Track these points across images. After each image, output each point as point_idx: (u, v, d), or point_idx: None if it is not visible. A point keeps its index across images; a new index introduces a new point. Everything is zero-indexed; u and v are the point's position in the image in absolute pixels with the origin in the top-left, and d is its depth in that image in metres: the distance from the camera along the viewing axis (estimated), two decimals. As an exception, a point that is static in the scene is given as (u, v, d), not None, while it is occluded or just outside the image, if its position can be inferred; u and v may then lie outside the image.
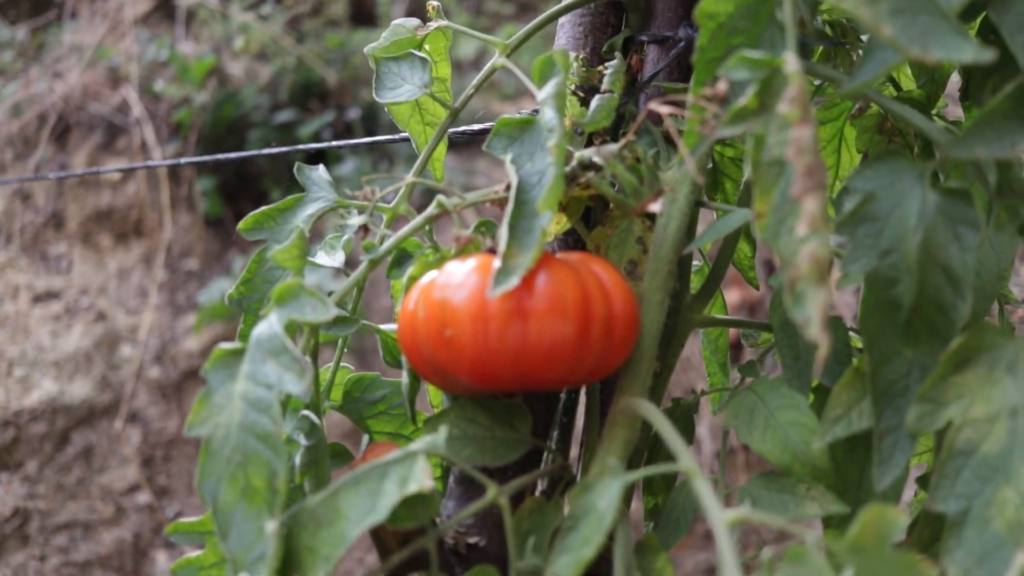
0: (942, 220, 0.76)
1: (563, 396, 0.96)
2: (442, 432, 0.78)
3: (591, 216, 0.96)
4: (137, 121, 2.85)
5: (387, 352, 0.99)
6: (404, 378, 0.91)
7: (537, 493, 0.92)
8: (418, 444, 0.76)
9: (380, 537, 0.80)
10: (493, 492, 0.79)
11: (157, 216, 2.73)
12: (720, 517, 0.67)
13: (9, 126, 2.73)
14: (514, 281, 0.76)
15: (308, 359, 0.76)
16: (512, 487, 0.81)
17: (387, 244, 0.88)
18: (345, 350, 0.98)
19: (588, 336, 0.79)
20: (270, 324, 0.79)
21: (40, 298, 2.64)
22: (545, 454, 0.91)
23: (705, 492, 0.69)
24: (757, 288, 1.05)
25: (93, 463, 2.47)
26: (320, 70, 2.86)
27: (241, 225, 0.95)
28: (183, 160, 1.30)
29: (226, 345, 0.80)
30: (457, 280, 0.80)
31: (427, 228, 0.93)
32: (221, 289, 2.67)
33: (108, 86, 2.91)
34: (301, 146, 1.41)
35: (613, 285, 0.82)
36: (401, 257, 0.94)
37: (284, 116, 2.91)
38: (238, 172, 2.88)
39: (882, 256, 0.77)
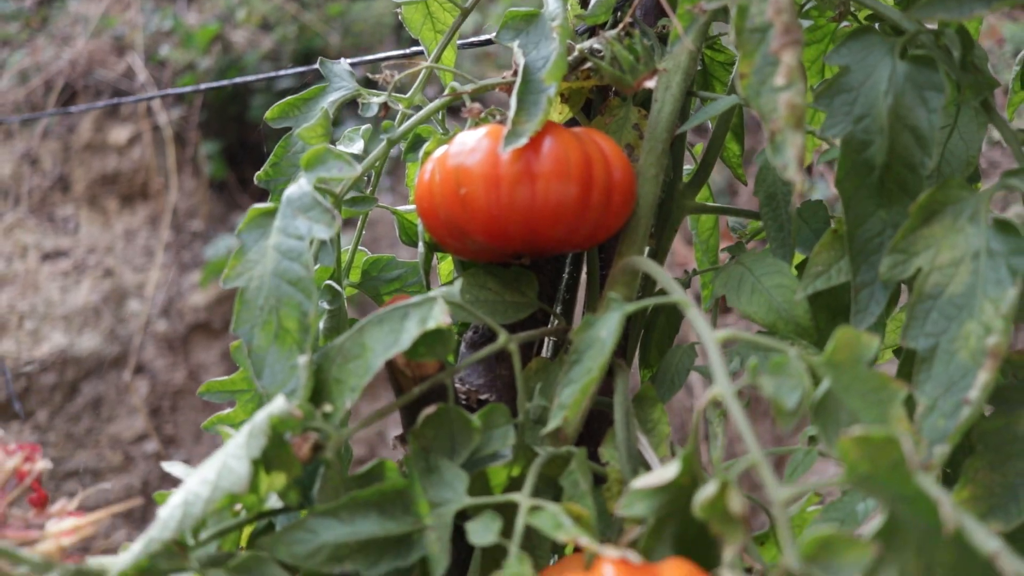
0: (910, 86, 0.84)
1: (566, 274, 1.03)
2: (457, 283, 0.86)
3: (591, 108, 1.04)
4: (142, 86, 2.93)
5: (403, 232, 1.07)
6: (420, 248, 0.99)
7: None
8: (436, 291, 0.84)
9: (397, 378, 0.87)
10: (504, 338, 0.86)
11: (163, 180, 2.80)
12: (711, 336, 0.75)
13: (16, 92, 2.80)
14: (523, 140, 0.84)
15: (336, 210, 0.83)
16: (521, 337, 0.88)
17: (404, 126, 0.95)
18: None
19: (589, 197, 0.87)
20: (300, 185, 0.87)
21: (49, 256, 2.71)
22: (551, 318, 0.98)
23: (697, 317, 0.77)
24: (744, 183, 1.12)
25: (102, 413, 2.54)
26: (322, 38, 2.93)
27: (268, 114, 1.02)
28: (189, 88, 1.37)
29: (259, 205, 0.88)
30: (470, 146, 0.88)
31: (440, 117, 1.01)
32: (227, 246, 2.74)
33: (113, 54, 2.99)
34: (290, 70, 1.48)
35: (613, 155, 0.90)
36: (416, 142, 1.02)
37: (286, 83, 2.99)
38: (241, 137, 2.96)
39: (856, 121, 0.85)
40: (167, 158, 2.89)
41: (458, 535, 0.80)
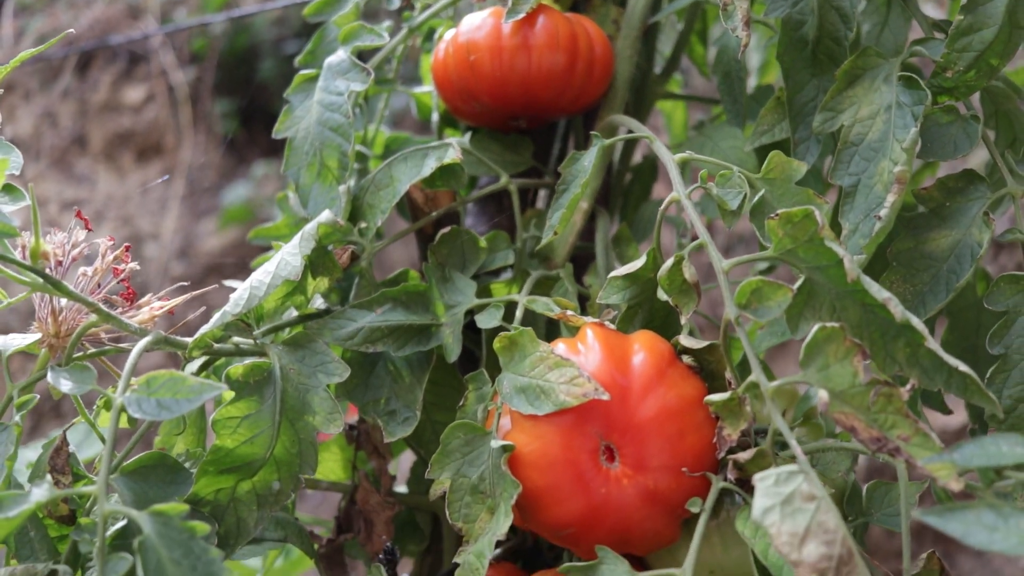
0: (837, -29, 1.03)
1: (556, 148, 1.21)
2: (468, 136, 1.05)
3: (577, 7, 1.22)
4: (157, 49, 3.11)
5: (420, 110, 1.25)
6: (434, 118, 1.17)
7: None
8: (450, 139, 1.02)
9: (415, 205, 1.06)
10: (505, 179, 1.05)
11: (176, 138, 2.98)
12: (670, 156, 0.94)
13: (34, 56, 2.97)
14: (520, 14, 1.03)
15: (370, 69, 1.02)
16: (519, 181, 1.07)
17: (422, 16, 1.14)
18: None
19: (575, 66, 1.06)
20: (338, 55, 1.05)
21: (68, 206, 2.89)
22: (544, 177, 1.17)
23: (660, 147, 0.96)
24: (708, 77, 1.31)
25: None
26: None
27: (307, 10, 1.20)
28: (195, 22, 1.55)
29: (304, 71, 1.07)
30: (477, 23, 1.06)
31: (451, 15, 1.19)
32: (241, 193, 2.92)
33: (129, 18, 3.17)
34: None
35: (595, 34, 1.09)
36: (430, 33, 1.21)
37: (292, 47, 3.17)
38: (253, 97, 3.14)
39: (793, 5, 1.04)
40: (181, 115, 3.08)
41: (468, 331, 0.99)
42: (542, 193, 1.17)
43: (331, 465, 1.14)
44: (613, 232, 1.12)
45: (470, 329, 1.01)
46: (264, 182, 2.88)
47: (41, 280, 0.86)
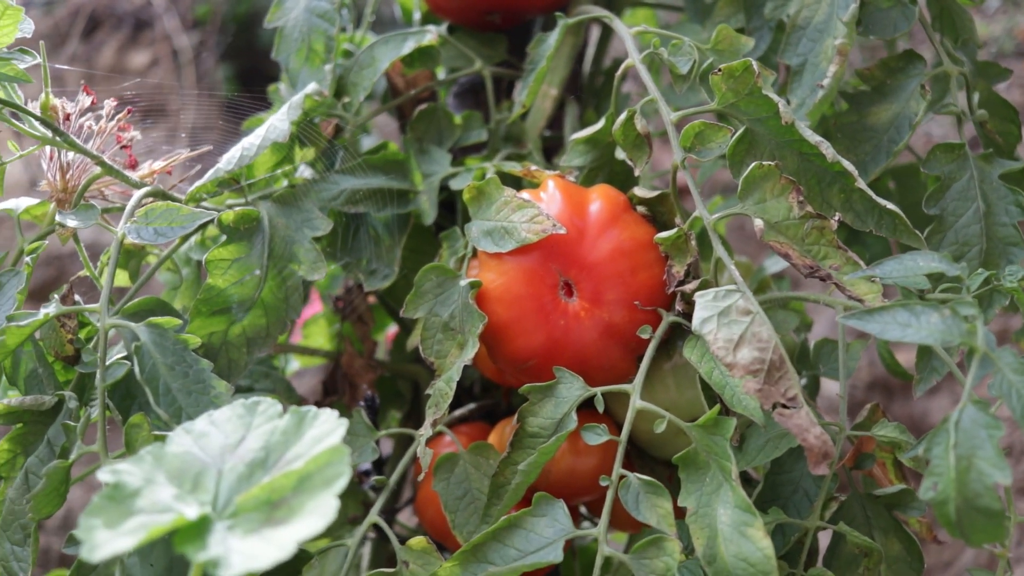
0: None
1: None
2: (444, 25, 1.13)
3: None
4: (161, 15, 3.20)
5: (404, 15, 1.33)
6: (415, 16, 1.25)
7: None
8: (428, 27, 1.10)
9: (395, 88, 1.14)
10: (479, 65, 1.13)
11: (180, 101, 3.07)
12: (627, 30, 1.01)
13: (43, 23, 3.07)
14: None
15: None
16: (494, 70, 1.15)
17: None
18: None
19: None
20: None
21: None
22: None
23: (619, 24, 1.03)
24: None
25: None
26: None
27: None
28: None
29: (293, -34, 1.14)
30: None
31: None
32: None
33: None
34: None
35: (564, -67, 1.16)
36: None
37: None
38: (253, 63, 3.23)
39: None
40: (184, 80, 3.17)
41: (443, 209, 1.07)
42: (516, 88, 1.25)
43: (318, 337, 1.22)
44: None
45: (444, 207, 1.09)
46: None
47: (51, 134, 0.94)
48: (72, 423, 0.87)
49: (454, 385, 0.90)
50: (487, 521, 0.91)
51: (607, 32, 1.30)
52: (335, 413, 0.69)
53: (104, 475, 0.69)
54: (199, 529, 0.64)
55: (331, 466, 0.65)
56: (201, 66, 3.14)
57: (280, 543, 0.62)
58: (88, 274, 1.00)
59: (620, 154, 0.98)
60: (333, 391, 1.13)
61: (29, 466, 0.92)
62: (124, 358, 0.90)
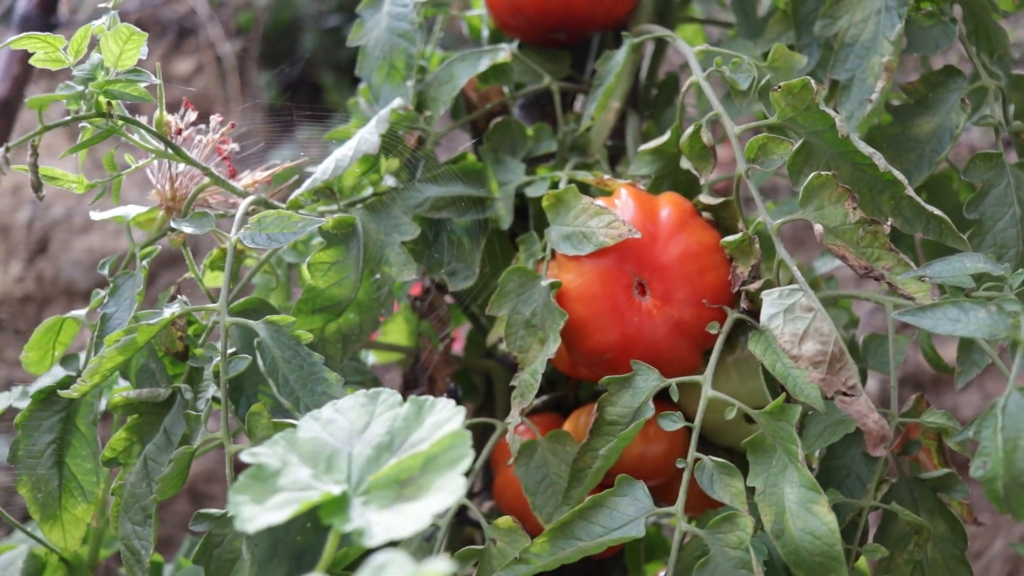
0: None
1: (589, 66, 1.38)
2: (515, 43, 1.22)
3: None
4: (205, 23, 3.29)
5: (472, 32, 1.41)
6: (484, 34, 1.34)
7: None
8: (501, 45, 1.19)
9: (469, 103, 1.22)
10: (548, 80, 1.22)
11: (224, 107, 3.16)
12: (690, 50, 1.10)
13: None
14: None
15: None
16: (560, 84, 1.23)
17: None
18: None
19: (607, -17, 1.22)
20: (403, -25, 1.22)
21: (124, 167, 3.07)
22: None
23: (683, 45, 1.12)
24: (723, 5, 1.47)
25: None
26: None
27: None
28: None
29: (373, -11, 1.23)
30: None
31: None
32: (286, 155, 3.08)
33: (177, -5, 3.37)
34: None
35: (624, -42, 1.25)
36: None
37: (333, 21, 3.36)
38: (294, 68, 3.32)
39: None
40: (228, 86, 3.26)
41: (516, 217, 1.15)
42: (578, 102, 1.33)
43: (398, 334, 1.31)
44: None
45: (517, 213, 1.17)
46: (308, 145, 3.04)
47: (163, 147, 1.03)
48: (194, 412, 0.96)
49: (539, 377, 0.99)
50: (567, 503, 0.99)
51: (660, 47, 1.38)
52: (452, 402, 0.77)
53: (247, 456, 0.77)
54: (341, 504, 0.72)
55: (455, 448, 0.74)
56: (244, 73, 3.23)
57: (415, 516, 0.70)
58: (193, 276, 1.09)
59: (685, 164, 1.06)
60: (414, 384, 1.22)
61: (147, 453, 1.00)
62: (232, 353, 0.99)
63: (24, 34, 0.98)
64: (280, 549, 0.96)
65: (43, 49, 1.00)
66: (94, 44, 1.00)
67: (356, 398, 0.82)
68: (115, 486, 1.01)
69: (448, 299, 1.24)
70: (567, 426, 1.12)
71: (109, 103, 0.97)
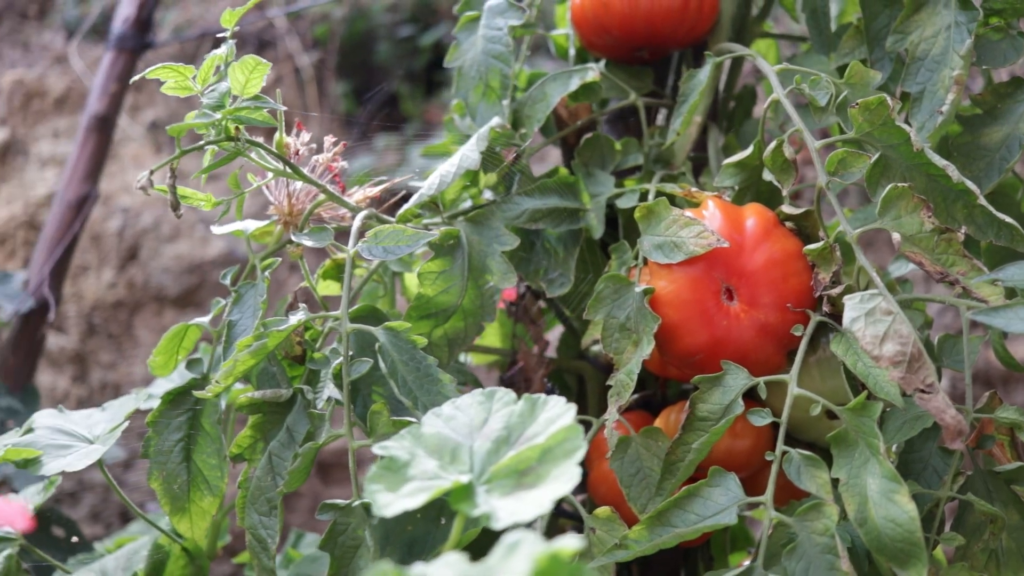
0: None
1: (670, 81, 1.45)
2: (602, 62, 1.29)
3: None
4: (283, 36, 3.40)
5: (558, 50, 1.49)
6: (571, 52, 1.41)
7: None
8: (590, 64, 1.26)
9: (559, 119, 1.30)
10: (633, 96, 1.29)
11: (302, 117, 3.27)
12: (771, 68, 1.17)
13: (172, 47, 3.28)
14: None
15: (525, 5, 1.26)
16: (644, 100, 1.31)
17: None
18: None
19: (689, 3, 1.29)
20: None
21: (212, 178, 3.19)
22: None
23: (762, 61, 1.19)
24: (796, 20, 1.53)
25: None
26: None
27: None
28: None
29: (468, 13, 1.31)
30: (605, -28, 1.30)
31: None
32: (365, 163, 3.18)
33: (255, 8, 3.46)
34: None
35: (704, -22, 1.32)
36: (565, -16, 1.45)
37: (406, 31, 3.45)
38: (368, 78, 3.42)
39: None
40: (307, 96, 3.36)
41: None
42: (660, 117, 1.41)
43: (492, 337, 1.39)
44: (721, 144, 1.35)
45: (606, 224, 1.25)
46: (385, 153, 3.14)
47: (282, 166, 1.11)
48: (317, 411, 1.05)
49: (634, 377, 1.06)
50: (660, 494, 1.07)
51: (737, 62, 1.45)
52: (563, 399, 0.85)
53: (378, 450, 0.85)
54: (468, 492, 0.80)
55: (569, 441, 0.82)
56: (322, 83, 3.33)
57: (536, 502, 0.78)
58: (308, 285, 1.18)
59: (767, 176, 1.13)
60: (510, 385, 1.30)
61: (272, 449, 1.09)
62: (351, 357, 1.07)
63: (160, 64, 1.06)
64: (392, 538, 1.04)
65: (174, 78, 1.09)
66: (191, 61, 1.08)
67: (474, 396, 0.90)
68: (241, 480, 1.10)
69: (540, 304, 1.32)
70: (658, 423, 1.19)
71: (236, 128, 1.06)
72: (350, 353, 1.05)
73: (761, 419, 1.01)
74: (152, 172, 1.03)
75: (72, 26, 3.60)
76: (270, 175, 1.15)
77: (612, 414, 1.06)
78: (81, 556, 1.47)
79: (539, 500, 0.78)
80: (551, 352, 1.35)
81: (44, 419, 1.23)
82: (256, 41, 3.44)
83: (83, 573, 1.27)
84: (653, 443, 1.11)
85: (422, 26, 3.33)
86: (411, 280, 1.31)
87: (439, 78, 3.45)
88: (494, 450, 0.85)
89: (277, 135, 1.10)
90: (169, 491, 1.17)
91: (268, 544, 1.08)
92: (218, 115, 1.03)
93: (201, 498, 1.18)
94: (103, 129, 2.31)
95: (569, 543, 0.63)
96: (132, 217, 3.07)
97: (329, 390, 1.09)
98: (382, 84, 3.27)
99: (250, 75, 1.05)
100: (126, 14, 2.32)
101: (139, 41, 2.33)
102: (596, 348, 1.30)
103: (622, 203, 1.20)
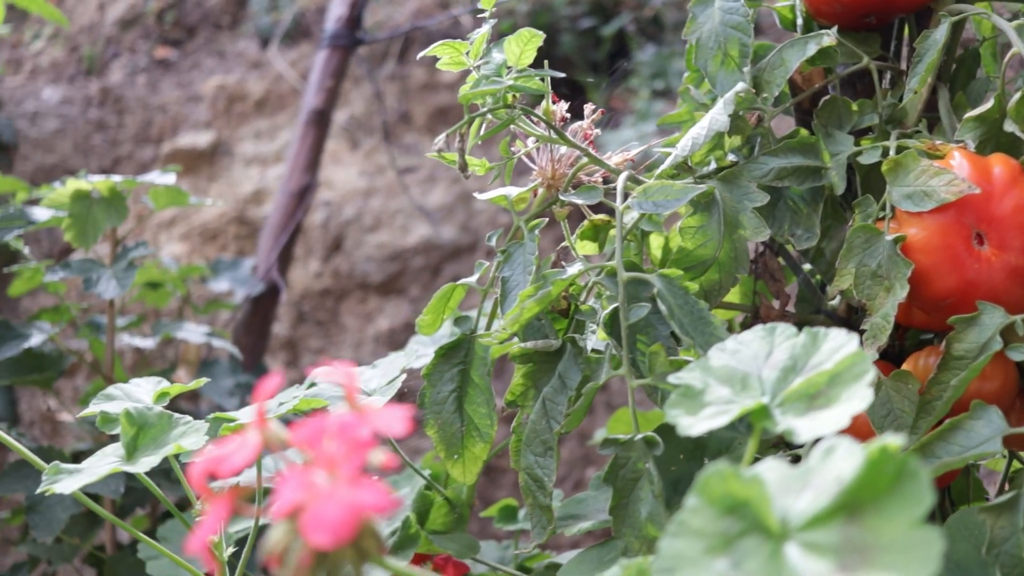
0: None
1: (892, 47, 1.50)
2: (834, 29, 1.35)
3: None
4: (468, 33, 3.51)
5: (783, 21, 1.56)
6: (798, 22, 1.47)
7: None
8: (824, 31, 1.32)
9: (794, 85, 1.36)
10: (866, 60, 1.35)
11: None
12: (1008, 24, 1.21)
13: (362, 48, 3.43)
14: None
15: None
16: (876, 63, 1.36)
17: (785, -57, 1.44)
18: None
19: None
20: (731, -28, 1.37)
21: (404, 171, 3.32)
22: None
23: (998, 19, 1.23)
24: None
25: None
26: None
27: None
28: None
29: (705, -13, 1.38)
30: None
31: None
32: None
33: (439, 7, 3.61)
34: None
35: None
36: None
37: (587, 23, 3.54)
38: (552, 67, 3.51)
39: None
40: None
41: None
42: (884, 81, 1.46)
43: (732, 294, 1.46)
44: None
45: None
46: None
47: (548, 132, 1.20)
48: (593, 355, 1.13)
49: (891, 320, 1.12)
50: (915, 433, 1.12)
51: (960, 22, 1.49)
52: (844, 330, 0.91)
53: (674, 379, 0.93)
54: (765, 412, 0.87)
55: (857, 365, 0.88)
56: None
57: (832, 420, 0.84)
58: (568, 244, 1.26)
59: (1008, 127, 1.18)
60: (751, 338, 1.36)
61: (545, 395, 1.18)
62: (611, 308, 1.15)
63: (441, 42, 1.16)
64: (677, 469, 1.12)
65: (448, 54, 1.19)
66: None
67: (755, 332, 0.97)
68: (515, 425, 1.19)
69: (780, 260, 1.38)
70: (906, 367, 1.24)
71: (513, 96, 1.15)
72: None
73: (1020, 354, 1.06)
74: (447, 135, 1.13)
75: (265, 33, 3.78)
76: (529, 142, 1.23)
77: (872, 355, 1.12)
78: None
79: (836, 417, 0.84)
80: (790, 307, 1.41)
81: (323, 374, 1.34)
82: (442, 39, 3.57)
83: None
84: (903, 385, 1.17)
85: (603, 17, 3.41)
86: (655, 241, 1.38)
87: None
88: (782, 378, 0.91)
89: (544, 103, 1.19)
90: (444, 438, 1.27)
91: (545, 482, 1.17)
92: (508, 81, 1.12)
93: (473, 444, 1.27)
94: (320, 122, 2.45)
95: (894, 440, 0.69)
96: (335, 210, 3.22)
97: (591, 341, 1.17)
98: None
99: (525, 47, 1.14)
100: (339, 13, 2.45)
101: (351, 38, 2.46)
102: (833, 303, 1.36)
103: (864, 159, 1.25)
